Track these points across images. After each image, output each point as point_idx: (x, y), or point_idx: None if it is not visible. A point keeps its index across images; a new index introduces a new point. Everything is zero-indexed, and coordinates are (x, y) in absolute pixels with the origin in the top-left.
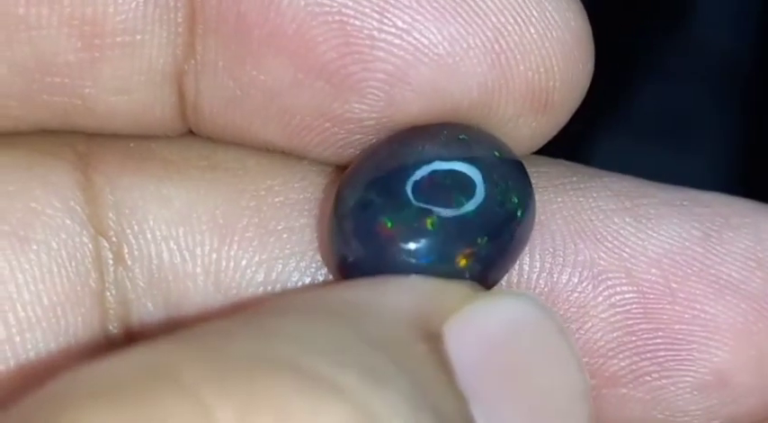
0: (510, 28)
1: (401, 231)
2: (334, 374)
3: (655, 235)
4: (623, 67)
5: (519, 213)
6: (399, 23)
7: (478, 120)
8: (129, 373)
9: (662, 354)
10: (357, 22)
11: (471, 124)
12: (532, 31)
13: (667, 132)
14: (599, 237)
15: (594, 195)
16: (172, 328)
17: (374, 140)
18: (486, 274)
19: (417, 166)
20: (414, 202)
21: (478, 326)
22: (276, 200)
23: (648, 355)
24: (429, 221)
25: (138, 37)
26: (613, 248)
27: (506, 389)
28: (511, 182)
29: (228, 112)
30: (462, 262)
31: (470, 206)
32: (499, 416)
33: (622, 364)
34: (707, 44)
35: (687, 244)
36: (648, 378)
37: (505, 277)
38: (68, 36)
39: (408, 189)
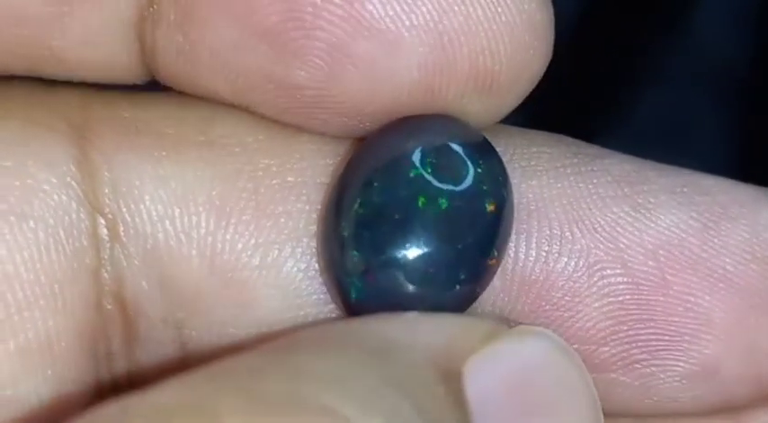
0: (456, 8)
1: (393, 272)
2: (359, 420)
3: (653, 225)
4: (622, 70)
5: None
6: None
7: (421, 101)
8: (168, 406)
9: (653, 343)
10: None
11: (454, 118)
12: (479, 11)
13: (667, 136)
14: (596, 226)
15: (594, 181)
16: (167, 307)
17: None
18: (475, 288)
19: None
20: (399, 248)
21: (499, 366)
22: (274, 182)
23: (639, 343)
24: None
25: None
26: (610, 238)
27: None
28: (489, 193)
29: (179, 63)
30: (457, 286)
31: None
32: None
33: (613, 351)
34: (707, 48)
35: (684, 236)
36: (638, 365)
37: (501, 266)
38: None
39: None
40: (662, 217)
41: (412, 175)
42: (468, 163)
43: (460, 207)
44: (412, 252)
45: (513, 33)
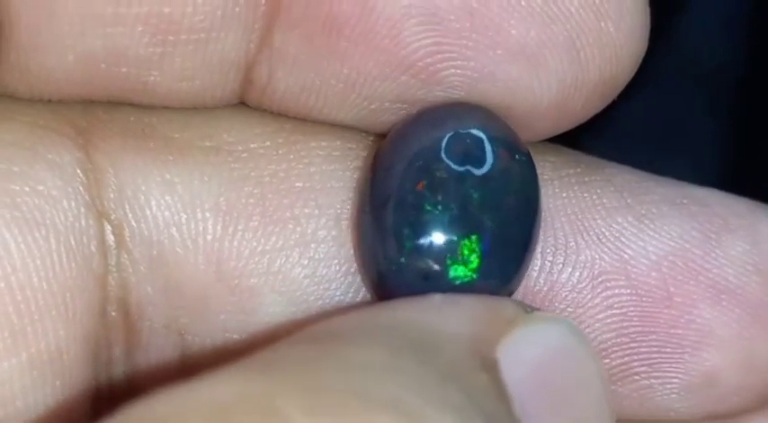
0: (590, 23)
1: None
2: (429, 413)
3: (656, 236)
4: None
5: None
6: (489, 23)
7: (552, 115)
8: (226, 402)
9: (654, 355)
10: (449, 23)
11: (493, 120)
12: (609, 24)
13: (655, 139)
14: (601, 237)
15: (599, 191)
16: (171, 313)
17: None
18: (517, 283)
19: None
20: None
21: (527, 352)
22: (281, 187)
23: (641, 356)
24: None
25: (214, 34)
26: (614, 249)
27: (549, 415)
28: (534, 196)
29: (302, 96)
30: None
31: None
32: None
33: (614, 363)
34: (696, 51)
35: (687, 246)
36: (637, 377)
37: None
38: (143, 33)
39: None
40: (665, 228)
41: (459, 169)
42: (507, 158)
43: (509, 203)
44: (451, 241)
45: (634, 37)
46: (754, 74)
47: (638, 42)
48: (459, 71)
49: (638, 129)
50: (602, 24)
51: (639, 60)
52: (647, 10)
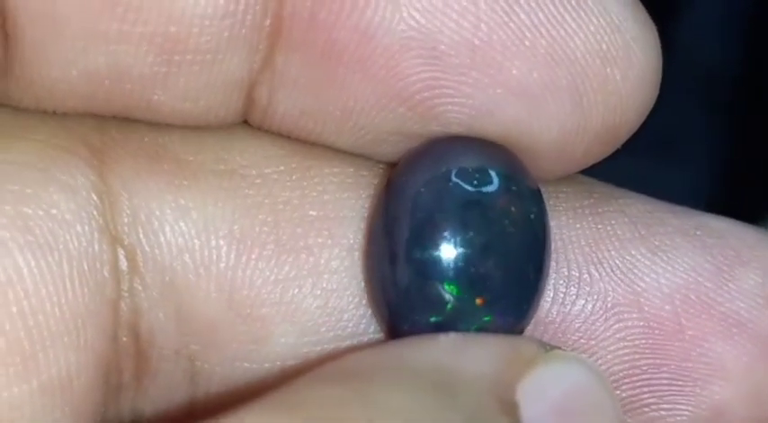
0: (596, 70)
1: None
2: None
3: (670, 269)
4: None
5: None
6: (490, 61)
7: (553, 158)
8: None
9: (665, 388)
10: (448, 58)
11: (501, 152)
12: (616, 72)
13: (652, 145)
14: (614, 269)
15: (612, 223)
16: (181, 339)
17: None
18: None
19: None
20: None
21: (547, 393)
22: (294, 216)
23: (651, 388)
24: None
25: (220, 55)
26: (627, 281)
27: None
28: (542, 224)
29: (302, 120)
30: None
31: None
32: None
33: (624, 394)
34: (693, 56)
35: (700, 279)
36: (647, 409)
37: None
38: (147, 52)
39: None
40: (678, 260)
41: (469, 204)
42: (517, 193)
43: (520, 240)
44: (470, 273)
45: (641, 88)
46: (751, 73)
47: (646, 94)
48: (456, 108)
49: (634, 135)
50: (609, 71)
51: (646, 112)
52: (660, 64)
